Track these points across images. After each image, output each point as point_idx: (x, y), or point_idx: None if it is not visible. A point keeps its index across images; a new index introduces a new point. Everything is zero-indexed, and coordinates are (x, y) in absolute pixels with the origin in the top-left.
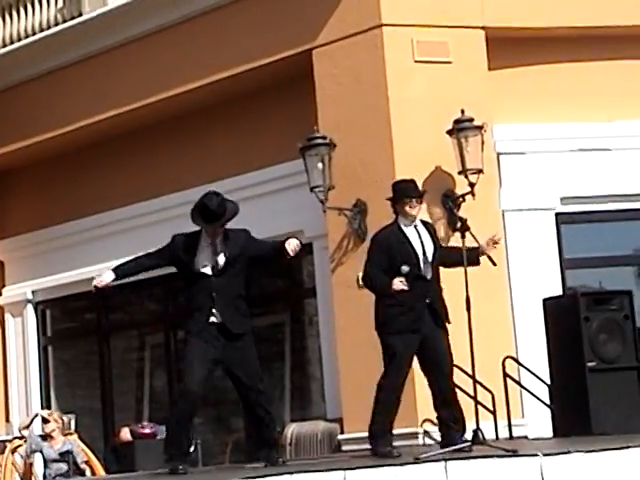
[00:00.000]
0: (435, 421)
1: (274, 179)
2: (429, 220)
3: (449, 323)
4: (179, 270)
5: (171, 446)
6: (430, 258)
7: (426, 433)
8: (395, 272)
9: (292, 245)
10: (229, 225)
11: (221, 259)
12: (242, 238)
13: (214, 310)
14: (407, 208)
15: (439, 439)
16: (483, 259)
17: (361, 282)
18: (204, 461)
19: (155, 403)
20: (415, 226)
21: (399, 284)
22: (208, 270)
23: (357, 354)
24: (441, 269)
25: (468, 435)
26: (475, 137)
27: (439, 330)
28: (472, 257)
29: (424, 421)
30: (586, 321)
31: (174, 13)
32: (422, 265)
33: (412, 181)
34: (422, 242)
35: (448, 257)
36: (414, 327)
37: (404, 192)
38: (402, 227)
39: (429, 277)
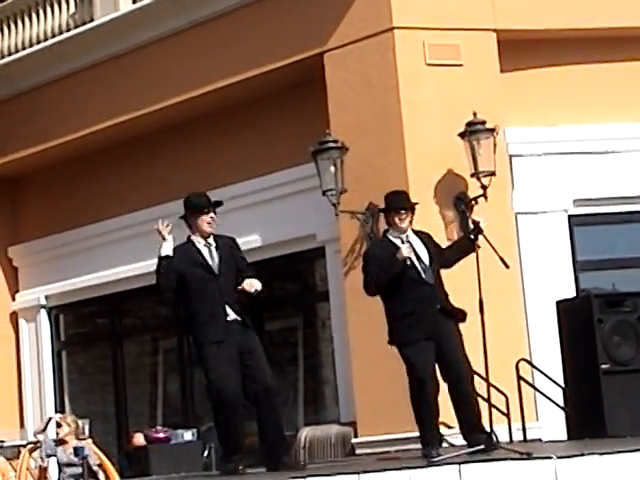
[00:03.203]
0: (450, 424)
1: (286, 183)
2: (423, 229)
3: (464, 322)
4: (183, 282)
5: (228, 447)
6: (427, 262)
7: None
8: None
9: (249, 286)
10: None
11: (216, 257)
12: (231, 243)
13: (227, 308)
14: (396, 219)
15: (453, 442)
16: (496, 262)
17: (366, 292)
18: (218, 465)
19: (169, 408)
20: (407, 236)
21: (404, 250)
22: (214, 269)
23: (370, 358)
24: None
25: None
26: (487, 140)
27: (454, 335)
28: (467, 244)
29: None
30: (599, 323)
31: (184, 18)
32: (422, 272)
33: (403, 192)
34: (415, 251)
35: (450, 256)
36: (426, 336)
37: (393, 203)
38: (391, 239)
39: (432, 282)
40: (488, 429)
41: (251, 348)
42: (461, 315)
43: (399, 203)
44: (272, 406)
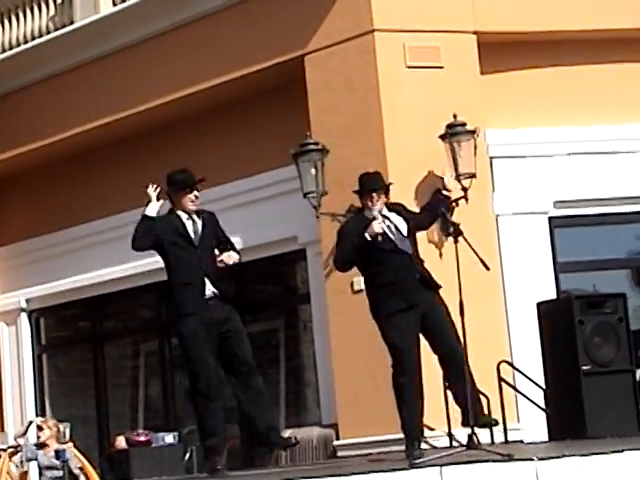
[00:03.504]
0: (431, 426)
1: (267, 185)
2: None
3: (440, 288)
4: (162, 251)
5: (208, 440)
6: (405, 233)
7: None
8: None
9: (227, 258)
10: None
11: (199, 229)
12: (214, 219)
13: (206, 280)
14: (369, 202)
15: (435, 444)
16: (477, 264)
17: (335, 268)
18: (199, 468)
19: (150, 411)
20: (380, 212)
21: (376, 225)
22: (195, 241)
23: (352, 359)
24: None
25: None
26: (468, 142)
27: (437, 304)
28: (440, 206)
29: None
30: (580, 324)
31: (165, 20)
32: (398, 242)
33: (376, 173)
34: (391, 221)
35: (424, 218)
36: (407, 305)
37: (366, 185)
38: (366, 216)
39: (409, 251)
40: (469, 431)
41: (236, 328)
42: (436, 286)
43: (372, 184)
44: (255, 379)
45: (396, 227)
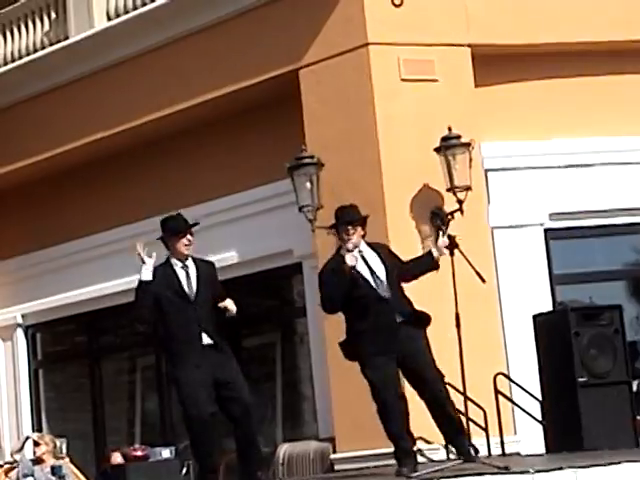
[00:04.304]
0: (428, 439)
1: (262, 199)
2: (380, 242)
3: (429, 325)
4: (159, 306)
5: (203, 466)
6: (383, 278)
7: (419, 451)
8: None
9: (231, 305)
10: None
11: (194, 282)
12: (211, 270)
13: (203, 333)
14: (344, 235)
15: (431, 457)
16: (473, 277)
17: (324, 310)
18: None
19: (147, 425)
20: (360, 251)
21: (351, 257)
22: (190, 296)
23: (348, 373)
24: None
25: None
26: (463, 154)
27: (419, 346)
28: (430, 262)
29: (416, 439)
30: (576, 336)
31: (160, 35)
32: (377, 287)
33: (352, 206)
34: (369, 265)
35: (410, 270)
36: (385, 350)
37: (341, 218)
38: (342, 254)
39: (388, 296)
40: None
41: (231, 378)
42: (426, 319)
43: (347, 217)
44: (249, 425)
45: (371, 270)
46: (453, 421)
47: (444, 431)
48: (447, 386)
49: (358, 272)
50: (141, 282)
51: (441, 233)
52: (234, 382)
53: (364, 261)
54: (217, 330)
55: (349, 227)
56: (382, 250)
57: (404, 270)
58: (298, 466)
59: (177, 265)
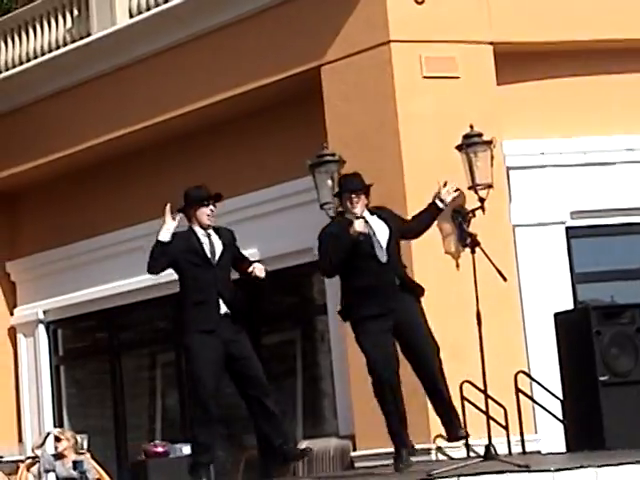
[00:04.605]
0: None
1: (283, 196)
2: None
3: (422, 296)
4: (177, 269)
5: (199, 456)
6: (384, 243)
7: (439, 449)
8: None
9: (260, 270)
10: None
11: (218, 248)
12: (230, 234)
13: (221, 301)
14: (349, 203)
15: (452, 455)
16: (494, 275)
17: (322, 274)
18: (217, 479)
19: (167, 421)
20: (364, 217)
21: (360, 223)
22: (212, 259)
23: None
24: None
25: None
26: (484, 152)
27: (415, 311)
28: (434, 214)
29: (437, 437)
30: (598, 335)
31: (182, 32)
32: (377, 250)
33: (357, 175)
34: (372, 229)
35: (418, 226)
36: (382, 310)
37: (345, 186)
38: (347, 217)
39: (385, 260)
40: (487, 441)
41: (247, 353)
42: (420, 290)
43: (352, 185)
44: (271, 410)
45: (374, 233)
46: (444, 399)
47: (435, 407)
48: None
49: (363, 237)
50: (157, 242)
51: (441, 184)
52: (249, 358)
53: (368, 226)
54: (234, 299)
55: (353, 195)
56: (386, 214)
57: (407, 229)
58: (318, 463)
59: (199, 232)
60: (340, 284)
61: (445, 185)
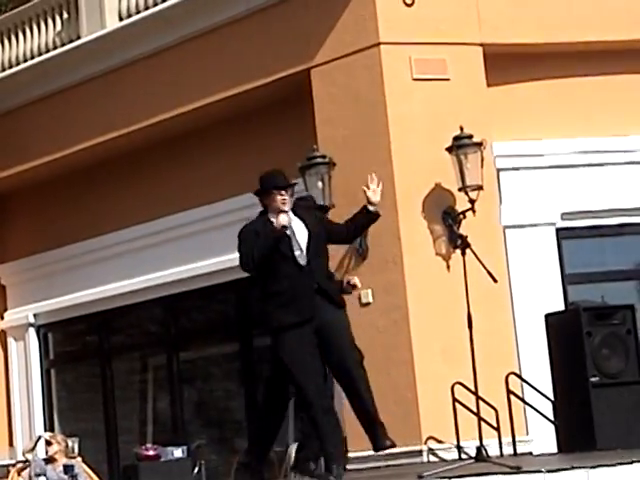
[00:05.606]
0: (440, 438)
1: None
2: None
3: (344, 306)
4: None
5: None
6: (303, 245)
7: (430, 451)
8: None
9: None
10: None
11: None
12: (317, 214)
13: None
14: (277, 202)
15: (443, 457)
16: (484, 276)
17: (243, 269)
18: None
19: (158, 425)
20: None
21: (284, 217)
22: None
23: None
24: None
25: (470, 450)
26: (474, 154)
27: (338, 316)
28: (369, 218)
29: (428, 439)
30: (588, 336)
31: (171, 35)
32: (296, 251)
33: (279, 171)
34: (292, 230)
35: (354, 231)
36: (302, 319)
37: (273, 183)
38: (269, 217)
39: (303, 263)
40: (478, 443)
41: (343, 327)
42: (341, 300)
43: (280, 182)
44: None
45: (294, 234)
46: (368, 410)
47: (357, 416)
48: (365, 369)
49: (285, 235)
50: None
51: (370, 178)
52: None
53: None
54: (329, 278)
55: (283, 192)
56: (308, 217)
57: (335, 232)
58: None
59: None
60: (255, 290)
61: (368, 187)
